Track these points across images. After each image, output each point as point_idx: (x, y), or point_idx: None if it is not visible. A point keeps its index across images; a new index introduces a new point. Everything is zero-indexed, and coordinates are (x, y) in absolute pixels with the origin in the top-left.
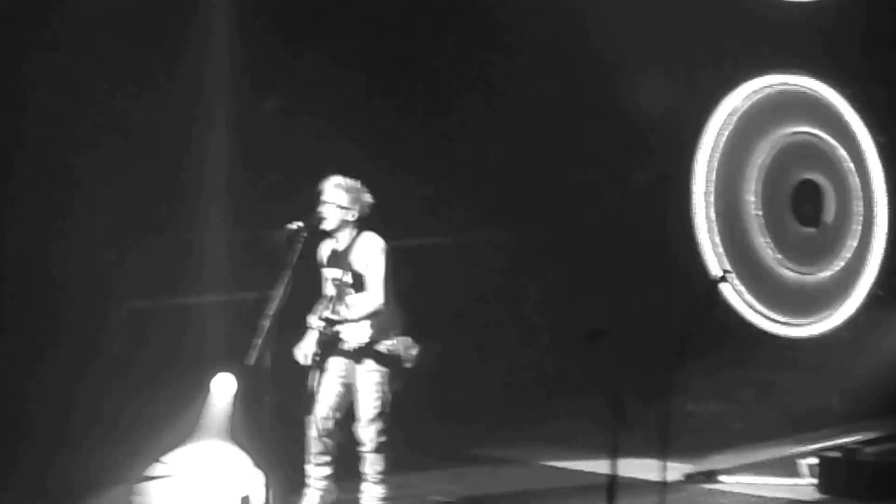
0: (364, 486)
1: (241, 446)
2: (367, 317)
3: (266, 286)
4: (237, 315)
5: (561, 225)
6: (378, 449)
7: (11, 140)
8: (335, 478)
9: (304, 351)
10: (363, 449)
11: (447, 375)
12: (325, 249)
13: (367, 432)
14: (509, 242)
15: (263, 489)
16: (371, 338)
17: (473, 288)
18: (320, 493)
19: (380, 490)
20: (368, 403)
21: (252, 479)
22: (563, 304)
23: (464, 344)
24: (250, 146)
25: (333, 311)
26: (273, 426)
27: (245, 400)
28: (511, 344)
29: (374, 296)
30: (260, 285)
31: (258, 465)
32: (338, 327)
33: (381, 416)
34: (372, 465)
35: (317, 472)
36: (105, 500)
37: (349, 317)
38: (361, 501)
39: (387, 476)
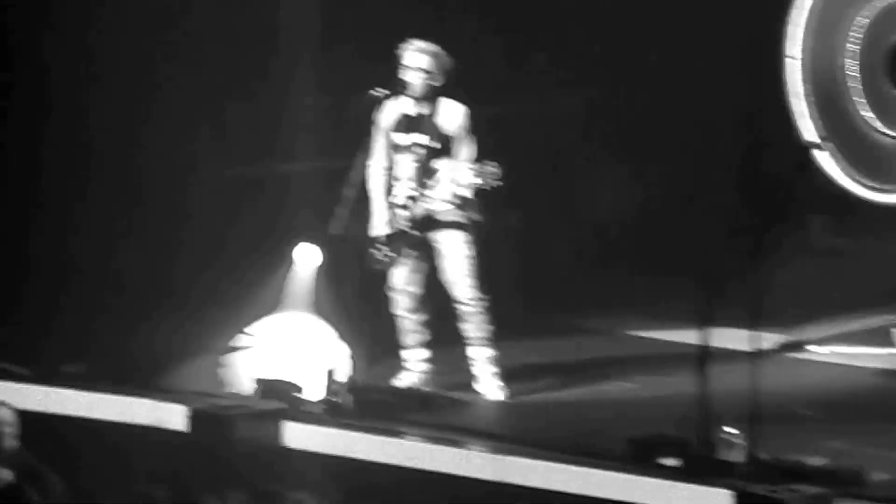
0: (471, 351)
1: (326, 318)
2: (460, 183)
3: (350, 154)
4: (322, 184)
5: (651, 84)
6: (482, 306)
7: None
8: (434, 359)
9: (387, 223)
10: (465, 309)
11: (532, 241)
12: (394, 115)
13: (466, 291)
14: (600, 102)
15: (349, 361)
16: (455, 201)
17: (560, 147)
18: (415, 374)
19: (489, 352)
20: (458, 262)
21: (337, 352)
22: (654, 168)
23: (551, 207)
24: (334, 9)
25: (423, 182)
26: (358, 298)
27: (329, 271)
28: (601, 208)
29: (466, 162)
30: (344, 153)
31: (343, 337)
32: (423, 194)
33: (473, 272)
34: (478, 326)
35: (411, 355)
36: (190, 371)
37: (441, 183)
38: (473, 368)
39: (493, 336)
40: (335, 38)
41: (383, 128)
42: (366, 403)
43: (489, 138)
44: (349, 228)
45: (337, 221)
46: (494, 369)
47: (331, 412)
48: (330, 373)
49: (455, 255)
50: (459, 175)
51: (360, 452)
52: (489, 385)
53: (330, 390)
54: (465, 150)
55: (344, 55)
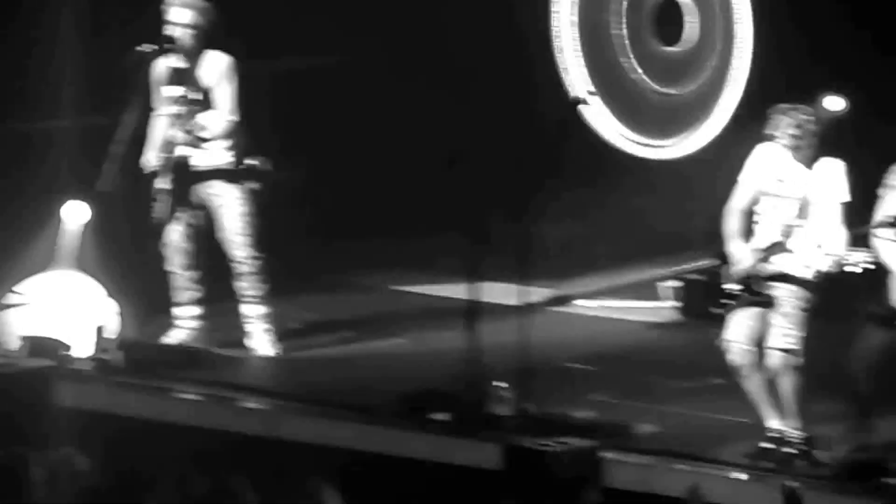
0: (245, 308)
1: (94, 275)
2: (223, 136)
3: (117, 111)
4: (89, 141)
5: (412, 44)
6: (257, 264)
7: None
8: (206, 316)
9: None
10: (239, 267)
11: (305, 199)
12: (162, 68)
13: (241, 250)
14: (363, 65)
15: (118, 319)
16: (229, 157)
17: (330, 111)
18: (186, 331)
19: (262, 309)
20: (233, 221)
21: (106, 309)
22: (420, 127)
23: (323, 167)
24: None
25: (186, 131)
26: (126, 255)
27: (97, 228)
28: (370, 168)
29: (228, 114)
30: (112, 110)
31: (112, 294)
32: (190, 149)
33: (248, 232)
34: (252, 284)
35: (183, 312)
36: None
37: (206, 137)
38: (246, 325)
39: (267, 293)
40: None
41: (155, 82)
42: (136, 361)
43: (262, 94)
44: (117, 184)
45: (105, 178)
46: (268, 326)
47: (100, 369)
48: (99, 330)
49: (229, 211)
50: (213, 125)
51: (130, 409)
52: (262, 341)
53: (99, 347)
54: (226, 101)
55: (111, 9)
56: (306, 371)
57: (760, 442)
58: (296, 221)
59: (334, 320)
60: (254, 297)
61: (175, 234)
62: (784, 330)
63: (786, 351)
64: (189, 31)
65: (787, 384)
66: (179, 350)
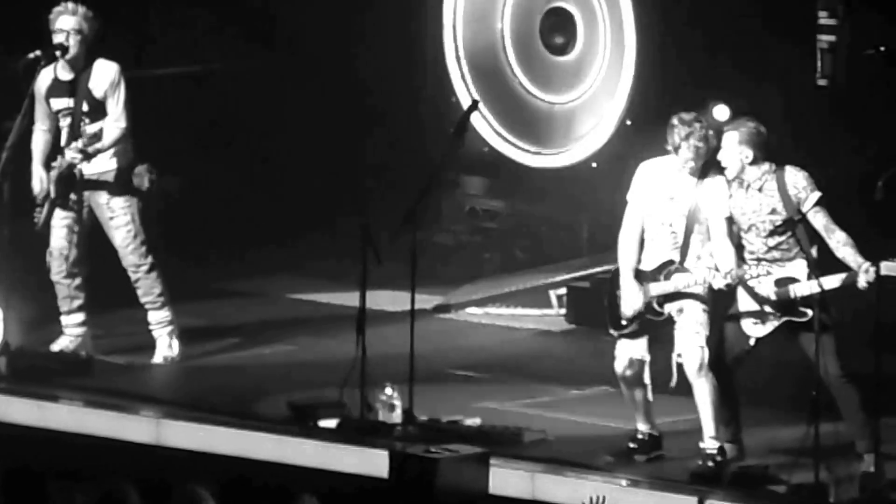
0: (150, 315)
1: None
2: (113, 144)
3: (4, 117)
4: None
5: (311, 51)
6: (150, 271)
7: None
8: (90, 323)
9: (43, 186)
10: (135, 276)
11: (191, 207)
12: (45, 79)
13: (133, 258)
14: (256, 70)
15: (1, 323)
16: (116, 165)
17: (212, 116)
18: (72, 338)
19: (165, 314)
20: (122, 229)
21: None
22: (310, 139)
23: (207, 175)
24: None
25: (78, 142)
26: (9, 260)
27: None
28: (257, 179)
29: (119, 122)
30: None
31: None
32: (78, 158)
33: (138, 239)
34: (148, 290)
35: (68, 320)
36: None
37: (99, 147)
38: (152, 330)
39: (166, 297)
40: None
41: (39, 92)
42: (20, 368)
43: (156, 101)
44: (4, 192)
45: None
46: (159, 333)
47: None
48: None
49: (118, 220)
50: (103, 133)
51: (14, 417)
52: (164, 346)
53: None
54: (116, 109)
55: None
56: (193, 378)
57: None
58: (182, 228)
59: (222, 326)
60: (151, 302)
61: (59, 242)
62: (693, 332)
63: (698, 350)
64: (76, 39)
65: (704, 387)
66: (64, 357)
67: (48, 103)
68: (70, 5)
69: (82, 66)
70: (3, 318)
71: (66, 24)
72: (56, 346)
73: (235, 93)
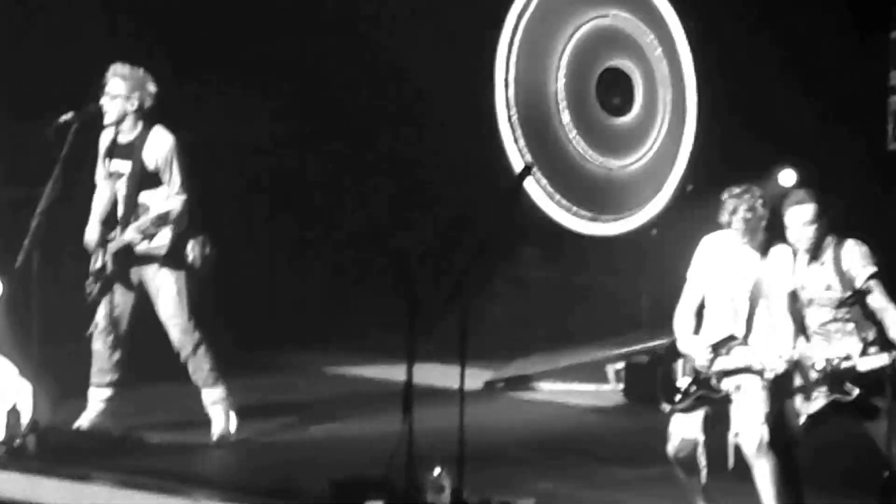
0: (204, 393)
1: (7, 355)
2: (172, 221)
3: (37, 183)
4: (7, 213)
5: (359, 121)
6: (197, 346)
7: None
8: (118, 400)
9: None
10: (184, 354)
11: (234, 276)
12: (106, 138)
13: (178, 332)
14: (298, 136)
15: (30, 399)
16: (169, 238)
17: (263, 183)
18: (97, 413)
19: (220, 391)
20: (170, 302)
21: (19, 389)
22: (358, 205)
23: (252, 244)
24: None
25: (139, 222)
26: (41, 334)
27: (11, 306)
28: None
29: (177, 196)
30: (30, 182)
31: (25, 374)
32: (137, 239)
33: (185, 312)
34: (198, 367)
35: (97, 393)
36: None
37: (159, 222)
38: (209, 410)
39: (218, 373)
40: (27, 61)
41: (101, 150)
42: (51, 446)
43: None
44: (35, 261)
45: (23, 253)
46: (215, 410)
47: (12, 455)
48: (12, 410)
49: (166, 294)
50: (161, 208)
51: (44, 498)
52: (215, 425)
53: (11, 431)
54: (173, 183)
55: (35, 78)
56: (234, 457)
57: None
58: (228, 298)
59: (265, 404)
60: (203, 380)
61: (108, 314)
62: (751, 409)
63: (758, 428)
64: (124, 105)
65: (764, 468)
66: (97, 435)
67: (104, 166)
68: (125, 69)
69: (138, 132)
70: (32, 395)
71: (114, 89)
72: (87, 423)
73: (284, 162)
